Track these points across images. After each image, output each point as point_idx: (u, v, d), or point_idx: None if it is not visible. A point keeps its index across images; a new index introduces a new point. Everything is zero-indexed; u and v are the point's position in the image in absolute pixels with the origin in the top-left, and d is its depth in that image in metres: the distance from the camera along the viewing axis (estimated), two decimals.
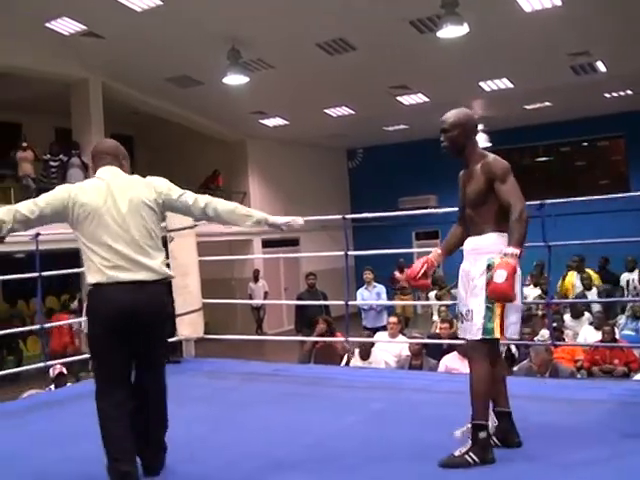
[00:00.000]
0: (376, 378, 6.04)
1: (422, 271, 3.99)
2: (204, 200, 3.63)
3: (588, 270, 11.95)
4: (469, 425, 3.58)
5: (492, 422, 3.70)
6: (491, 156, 3.78)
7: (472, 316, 3.61)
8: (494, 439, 3.67)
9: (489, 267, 3.54)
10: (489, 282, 3.48)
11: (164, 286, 3.57)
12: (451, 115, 3.86)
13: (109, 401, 3.36)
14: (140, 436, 3.45)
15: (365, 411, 4.65)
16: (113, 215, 3.43)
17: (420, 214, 9.22)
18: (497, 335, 3.56)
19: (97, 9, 11.34)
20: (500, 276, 3.38)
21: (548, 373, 6.94)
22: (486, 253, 3.61)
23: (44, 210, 3.47)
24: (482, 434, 3.49)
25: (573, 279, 11.86)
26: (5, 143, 15.35)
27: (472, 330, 3.60)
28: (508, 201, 3.62)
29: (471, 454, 3.47)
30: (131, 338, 3.38)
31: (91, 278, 3.41)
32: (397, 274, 15.70)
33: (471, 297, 3.64)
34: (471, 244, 3.76)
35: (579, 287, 11.61)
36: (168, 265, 4.81)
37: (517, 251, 3.46)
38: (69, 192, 3.51)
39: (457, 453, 3.50)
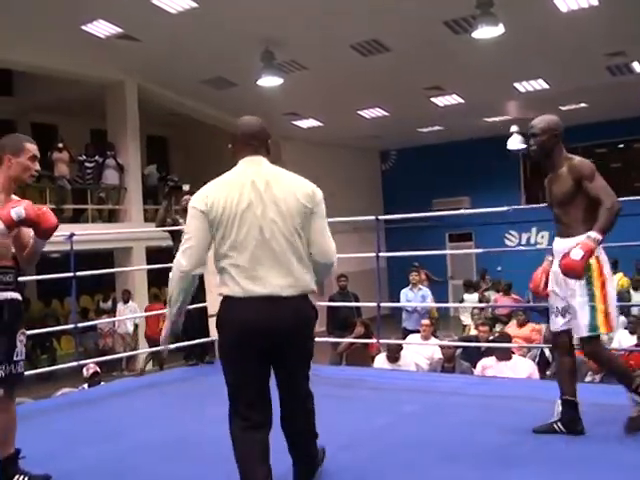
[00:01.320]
0: (408, 380, 6.02)
1: (544, 280, 4.16)
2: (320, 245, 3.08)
3: (619, 274, 11.79)
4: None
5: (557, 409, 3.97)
6: (577, 158, 4.00)
7: (577, 315, 3.84)
8: (559, 425, 3.93)
9: (586, 268, 3.72)
10: (564, 256, 3.70)
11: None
12: (541, 120, 4.11)
13: (238, 424, 3.00)
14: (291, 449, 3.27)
15: (397, 413, 4.64)
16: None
17: (453, 215, 9.19)
18: (604, 331, 3.83)
19: (133, 12, 11.44)
20: (576, 254, 3.62)
21: (599, 377, 6.91)
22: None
23: (198, 252, 3.01)
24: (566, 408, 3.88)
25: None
26: (42, 144, 15.48)
27: (579, 329, 3.85)
28: (599, 197, 3.79)
29: (559, 424, 3.92)
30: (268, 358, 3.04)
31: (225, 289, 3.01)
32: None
33: (571, 299, 3.87)
34: (562, 246, 3.92)
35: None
36: None
37: (599, 236, 3.69)
38: (204, 206, 2.98)
39: (551, 420, 3.93)
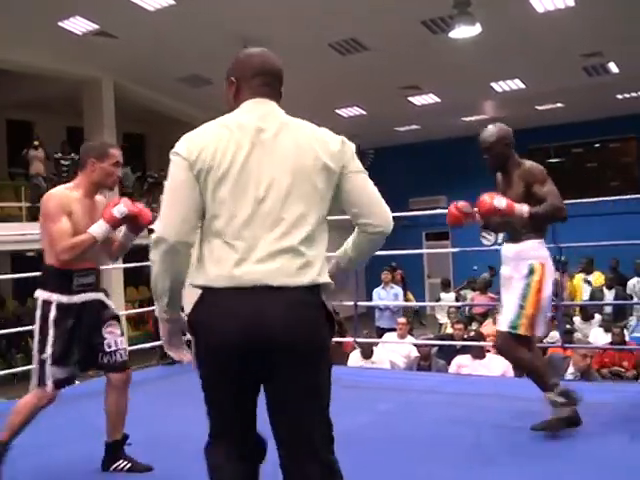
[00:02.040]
0: (384, 379, 6.05)
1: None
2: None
3: (597, 272, 11.88)
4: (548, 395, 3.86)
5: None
6: (528, 163, 4.03)
7: (504, 310, 3.95)
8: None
9: (531, 272, 3.84)
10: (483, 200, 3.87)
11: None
12: (490, 134, 4.09)
13: (220, 451, 2.28)
14: None
15: (373, 411, 4.65)
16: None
17: (430, 214, 9.21)
18: (522, 332, 3.83)
19: (110, 9, 11.37)
20: (500, 202, 3.79)
21: (580, 374, 6.98)
22: (526, 259, 3.89)
23: (182, 213, 2.19)
24: (560, 399, 3.79)
25: (581, 281, 11.80)
26: (17, 142, 15.44)
27: (501, 322, 3.94)
28: (547, 199, 3.84)
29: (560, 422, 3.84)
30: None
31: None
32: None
33: (506, 294, 3.99)
34: (511, 250, 4.03)
35: (586, 289, 11.55)
36: None
37: (526, 213, 3.77)
38: (187, 152, 2.22)
39: (552, 416, 3.84)
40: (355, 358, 7.57)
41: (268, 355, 2.09)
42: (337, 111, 17.03)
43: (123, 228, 3.69)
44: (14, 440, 3.55)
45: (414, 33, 11.95)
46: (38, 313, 3.63)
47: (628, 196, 6.73)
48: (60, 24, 12.01)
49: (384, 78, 14.20)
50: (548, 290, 3.90)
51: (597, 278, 12.09)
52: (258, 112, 2.29)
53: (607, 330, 8.90)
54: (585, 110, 17.26)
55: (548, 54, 12.76)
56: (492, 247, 4.77)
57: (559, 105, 17.05)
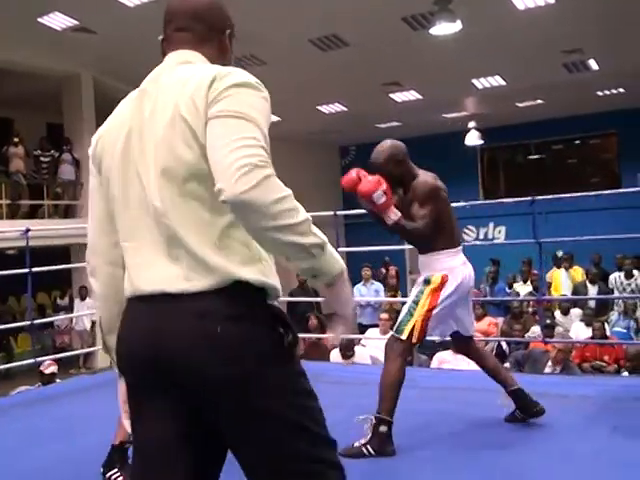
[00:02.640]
0: (367, 374, 6.03)
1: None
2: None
3: (576, 267, 11.97)
4: (371, 418, 3.76)
5: (508, 403, 4.01)
6: (420, 178, 3.92)
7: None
8: (518, 414, 3.98)
9: (427, 281, 3.89)
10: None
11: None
12: (379, 153, 4.02)
13: None
14: None
15: (356, 407, 4.66)
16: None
17: None
18: (404, 337, 3.82)
19: (90, 4, 11.28)
20: (367, 181, 3.73)
21: (559, 368, 7.00)
22: (427, 271, 3.94)
23: (92, 229, 2.09)
24: (382, 428, 3.68)
25: (560, 276, 11.87)
26: None
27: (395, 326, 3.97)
28: (415, 219, 3.84)
29: (368, 447, 3.65)
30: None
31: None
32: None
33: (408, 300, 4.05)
34: (419, 261, 4.06)
35: (566, 284, 11.63)
36: None
37: (393, 217, 3.75)
38: (91, 148, 2.10)
39: (356, 444, 3.68)
40: (335, 356, 7.56)
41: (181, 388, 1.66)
42: (318, 107, 17.03)
43: None
44: None
45: (395, 29, 11.95)
46: None
47: (608, 191, 6.77)
48: (39, 20, 11.91)
49: (365, 74, 14.19)
50: (446, 301, 3.86)
51: (575, 273, 12.18)
52: (154, 72, 1.92)
53: (588, 324, 8.97)
54: (565, 107, 17.34)
55: (529, 51, 12.81)
56: (473, 242, 4.79)
57: (539, 102, 17.12)
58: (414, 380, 5.48)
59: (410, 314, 3.85)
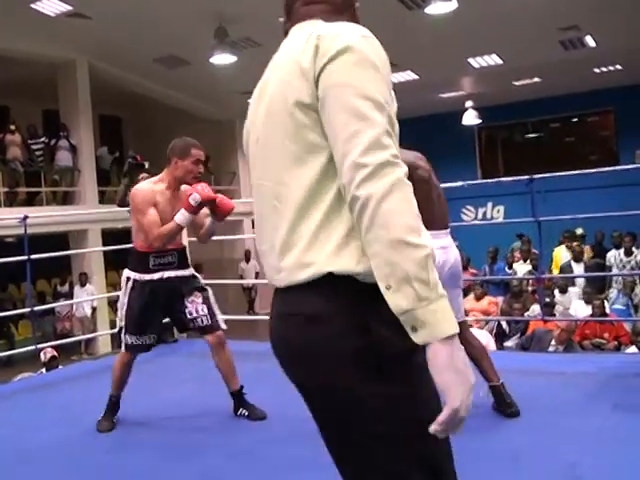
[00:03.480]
0: None
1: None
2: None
3: (576, 244, 11.93)
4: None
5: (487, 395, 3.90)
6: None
7: None
8: (495, 407, 3.92)
9: None
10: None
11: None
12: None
13: None
14: None
15: None
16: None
17: None
18: None
19: None
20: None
21: (562, 347, 7.02)
22: None
23: None
24: None
25: (561, 254, 11.85)
26: None
27: None
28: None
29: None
30: None
31: None
32: None
33: None
34: None
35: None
36: None
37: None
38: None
39: None
40: None
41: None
42: None
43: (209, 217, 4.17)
44: (121, 392, 4.24)
45: (390, 9, 11.88)
46: (122, 288, 4.24)
47: (606, 168, 6.77)
48: (33, 6, 11.85)
49: None
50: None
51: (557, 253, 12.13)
52: (277, 54, 1.69)
53: (588, 302, 8.98)
54: (562, 84, 17.27)
55: (525, 28, 12.75)
56: (472, 223, 4.79)
57: (536, 80, 17.05)
58: None
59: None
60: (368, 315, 1.43)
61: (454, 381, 1.33)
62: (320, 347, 1.44)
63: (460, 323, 4.06)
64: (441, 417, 1.34)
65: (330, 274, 1.43)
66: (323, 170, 1.47)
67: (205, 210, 4.09)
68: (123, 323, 4.18)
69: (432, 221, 3.86)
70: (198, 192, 3.91)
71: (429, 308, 1.32)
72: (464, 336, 4.10)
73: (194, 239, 6.80)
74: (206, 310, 4.23)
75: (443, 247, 3.88)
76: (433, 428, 1.35)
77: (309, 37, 1.51)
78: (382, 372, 1.43)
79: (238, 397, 4.31)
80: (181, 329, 4.60)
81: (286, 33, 1.75)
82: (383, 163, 1.36)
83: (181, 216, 3.94)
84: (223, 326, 4.30)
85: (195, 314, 4.20)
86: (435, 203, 3.93)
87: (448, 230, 4.03)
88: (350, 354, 1.42)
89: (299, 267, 1.46)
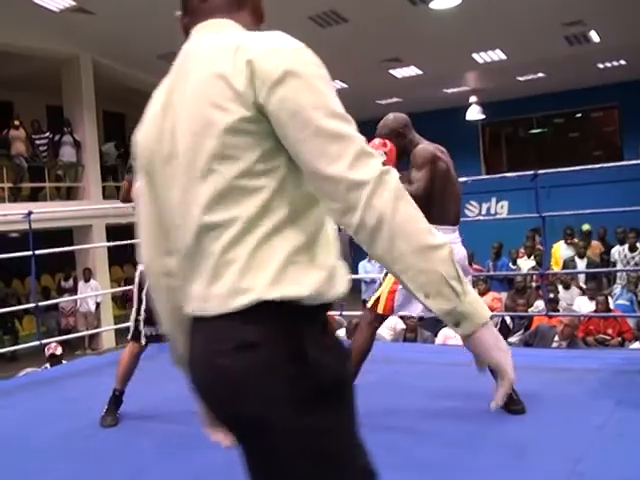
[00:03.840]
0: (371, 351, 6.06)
1: None
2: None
3: (576, 240, 11.89)
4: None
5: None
6: (420, 146, 3.97)
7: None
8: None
9: None
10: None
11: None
12: (382, 127, 4.09)
13: None
14: None
15: (359, 383, 4.68)
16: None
17: None
18: (380, 310, 3.93)
19: None
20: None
21: (566, 343, 7.02)
22: None
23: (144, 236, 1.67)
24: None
25: (560, 250, 11.82)
26: None
27: None
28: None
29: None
30: None
31: None
32: None
33: None
34: None
35: (566, 257, 11.56)
36: None
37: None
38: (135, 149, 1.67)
39: None
40: (342, 335, 7.60)
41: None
42: None
43: None
44: (125, 386, 4.25)
45: (394, 4, 11.87)
46: (135, 282, 4.28)
47: (610, 164, 6.74)
48: (37, 1, 11.85)
49: (365, 51, 14.13)
50: None
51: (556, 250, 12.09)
52: (185, 60, 1.55)
53: (592, 298, 8.97)
54: (567, 80, 17.24)
55: (529, 23, 12.72)
56: (476, 218, 4.78)
57: (540, 75, 17.02)
58: (419, 356, 5.50)
59: (381, 285, 3.97)
60: (306, 341, 1.37)
61: (504, 357, 1.40)
62: (255, 375, 1.35)
63: None
64: (502, 391, 1.40)
65: (268, 300, 1.35)
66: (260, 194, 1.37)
67: None
68: (141, 316, 4.21)
69: (443, 217, 3.86)
70: None
71: (467, 300, 1.33)
72: None
73: None
74: None
75: (451, 243, 3.87)
76: (496, 403, 1.41)
77: (235, 51, 1.39)
78: (316, 403, 1.36)
79: None
80: None
81: (186, 30, 1.65)
82: (380, 173, 1.32)
83: None
84: None
85: None
86: (450, 198, 3.93)
87: (457, 227, 4.02)
88: (286, 383, 1.34)
89: (234, 293, 1.36)
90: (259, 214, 1.36)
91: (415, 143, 3.99)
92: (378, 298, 3.91)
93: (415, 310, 4.00)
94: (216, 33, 1.51)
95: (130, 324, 4.34)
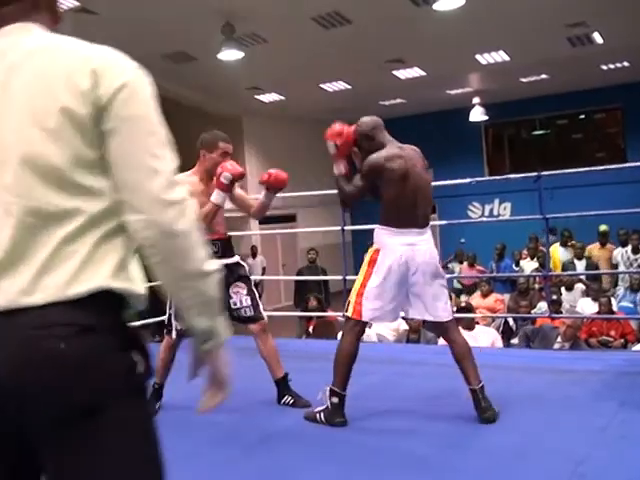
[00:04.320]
0: (374, 352, 6.07)
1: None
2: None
3: (574, 242, 11.86)
4: (326, 388, 3.93)
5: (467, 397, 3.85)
6: (373, 154, 3.99)
7: None
8: (321, 416, 3.96)
9: (365, 252, 4.01)
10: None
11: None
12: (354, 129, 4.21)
13: None
14: None
15: (363, 384, 4.68)
16: None
17: None
18: (349, 314, 3.91)
19: None
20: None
21: (569, 345, 7.02)
22: (375, 242, 3.98)
23: None
24: (334, 399, 3.87)
25: (558, 252, 11.81)
26: None
27: None
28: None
29: (322, 414, 3.89)
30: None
31: None
32: None
33: None
34: None
35: (564, 260, 11.53)
36: None
37: (336, 171, 4.15)
38: None
39: (315, 410, 3.96)
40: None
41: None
42: (321, 85, 16.94)
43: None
44: (164, 380, 4.43)
45: (398, 5, 11.86)
46: None
47: (614, 166, 6.75)
48: None
49: (368, 52, 14.12)
50: (377, 278, 3.87)
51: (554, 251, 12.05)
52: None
53: (595, 300, 8.96)
54: (570, 81, 17.24)
55: (532, 25, 12.71)
56: (479, 219, 4.77)
57: (544, 76, 17.01)
58: (422, 357, 5.51)
59: (352, 292, 3.96)
60: (133, 332, 1.49)
61: (229, 374, 1.60)
62: (97, 359, 1.35)
63: (446, 322, 4.00)
64: (217, 401, 1.62)
65: (105, 291, 1.39)
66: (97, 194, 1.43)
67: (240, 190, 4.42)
68: (172, 310, 4.32)
69: (400, 219, 3.87)
70: (228, 170, 4.09)
71: (220, 319, 1.56)
72: (449, 336, 4.04)
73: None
74: (250, 301, 4.41)
75: (410, 244, 3.88)
76: (205, 407, 1.62)
77: (78, 57, 1.50)
78: (141, 390, 1.48)
79: (282, 385, 4.42)
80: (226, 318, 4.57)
81: None
82: (184, 199, 1.46)
83: (216, 195, 4.12)
84: (265, 316, 4.49)
85: (239, 305, 4.39)
86: (407, 201, 3.90)
87: (426, 228, 3.99)
88: (123, 370, 1.39)
89: (73, 283, 1.36)
90: (103, 212, 1.43)
91: (380, 146, 4.01)
92: (349, 303, 3.90)
93: (386, 319, 4.00)
94: (28, 35, 1.58)
95: (165, 318, 4.51)
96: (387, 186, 3.87)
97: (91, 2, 12.00)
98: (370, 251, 3.92)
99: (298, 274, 11.30)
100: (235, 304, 4.39)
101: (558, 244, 11.92)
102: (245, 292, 4.42)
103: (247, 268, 4.62)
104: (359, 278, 3.91)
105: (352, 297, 3.90)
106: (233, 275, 4.44)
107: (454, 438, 3.56)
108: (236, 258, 4.54)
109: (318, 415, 3.89)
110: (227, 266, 4.38)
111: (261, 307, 4.48)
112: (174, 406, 4.28)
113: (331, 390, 3.87)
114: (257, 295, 4.50)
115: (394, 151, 3.96)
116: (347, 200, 4.08)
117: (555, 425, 3.63)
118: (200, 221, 4.03)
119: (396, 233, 3.86)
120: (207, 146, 4.29)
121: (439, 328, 4.10)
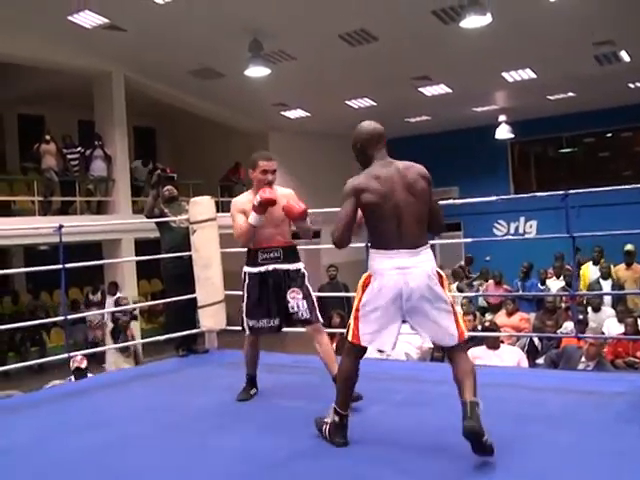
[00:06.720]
0: (399, 370, 6.04)
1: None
2: None
3: (602, 261, 11.73)
4: (332, 405, 3.89)
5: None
6: (349, 180, 3.87)
7: None
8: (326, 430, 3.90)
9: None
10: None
11: None
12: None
13: None
14: None
15: (388, 402, 4.66)
16: None
17: (442, 205, 9.19)
18: (349, 338, 3.83)
19: (119, 2, 11.38)
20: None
21: (593, 365, 6.95)
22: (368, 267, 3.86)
23: None
24: (335, 417, 3.83)
25: (588, 271, 11.70)
26: (29, 136, 15.50)
27: None
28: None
29: (327, 428, 3.87)
30: None
31: None
32: None
33: None
34: None
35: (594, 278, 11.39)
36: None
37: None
38: None
39: (325, 419, 3.89)
40: (370, 351, 7.55)
41: None
42: (347, 102, 16.98)
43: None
44: (254, 371, 5.02)
45: (424, 23, 11.90)
46: (241, 279, 4.88)
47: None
48: (70, 18, 12.02)
49: (394, 69, 14.16)
50: (369, 303, 3.74)
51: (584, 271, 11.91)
52: None
53: (620, 320, 8.87)
54: (597, 99, 17.17)
55: (559, 43, 12.70)
56: (504, 237, 4.73)
57: (570, 94, 16.96)
58: (445, 376, 5.46)
59: (350, 317, 3.92)
60: None
61: None
62: None
63: (453, 347, 3.83)
64: None
65: None
66: None
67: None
68: (244, 310, 4.81)
69: (383, 240, 3.73)
70: (261, 195, 4.50)
71: None
72: (453, 358, 3.87)
73: (226, 249, 6.88)
74: (306, 305, 4.75)
75: (401, 268, 3.69)
76: None
77: None
78: None
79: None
80: (289, 323, 4.94)
81: None
82: None
83: (251, 217, 4.57)
84: (320, 319, 4.82)
85: (297, 308, 4.73)
86: (388, 221, 3.71)
87: (419, 249, 3.80)
88: None
89: None
90: None
91: (368, 162, 3.91)
92: (349, 326, 3.82)
93: (384, 345, 3.86)
94: None
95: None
96: (365, 209, 3.78)
97: (120, 19, 12.14)
98: (363, 276, 3.80)
99: (319, 291, 11.29)
100: (293, 308, 4.74)
101: (591, 263, 11.80)
102: (301, 297, 4.76)
103: (306, 275, 4.90)
104: (354, 303, 3.82)
105: (351, 321, 3.83)
106: (291, 280, 4.79)
107: (473, 459, 3.52)
108: (297, 265, 4.86)
109: (325, 426, 3.87)
110: (287, 271, 4.78)
111: (317, 311, 4.79)
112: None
113: (334, 409, 3.85)
114: (313, 300, 4.81)
115: (374, 172, 3.78)
116: (339, 233, 3.75)
117: (579, 447, 3.57)
118: (237, 238, 4.44)
119: (385, 256, 3.69)
120: (250, 165, 4.76)
121: (449, 351, 3.95)
